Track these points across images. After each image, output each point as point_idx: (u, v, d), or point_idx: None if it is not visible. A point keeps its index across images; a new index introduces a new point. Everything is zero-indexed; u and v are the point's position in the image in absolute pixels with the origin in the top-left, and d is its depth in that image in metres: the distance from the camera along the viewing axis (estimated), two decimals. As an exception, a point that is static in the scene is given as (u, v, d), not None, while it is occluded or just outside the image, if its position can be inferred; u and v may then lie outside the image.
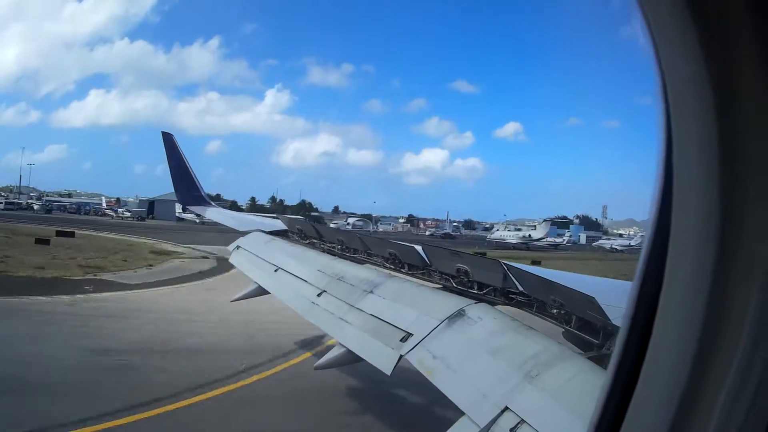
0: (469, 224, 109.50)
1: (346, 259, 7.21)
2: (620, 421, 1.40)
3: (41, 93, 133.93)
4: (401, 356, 4.31)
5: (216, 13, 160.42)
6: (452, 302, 4.64)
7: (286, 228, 9.78)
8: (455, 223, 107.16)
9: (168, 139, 13.50)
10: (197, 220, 72.23)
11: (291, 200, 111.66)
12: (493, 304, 4.64)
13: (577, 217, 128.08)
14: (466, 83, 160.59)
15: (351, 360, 5.14)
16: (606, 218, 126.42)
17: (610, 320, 3.52)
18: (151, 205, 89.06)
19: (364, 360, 4.78)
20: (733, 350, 1.18)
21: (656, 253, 1.30)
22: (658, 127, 1.26)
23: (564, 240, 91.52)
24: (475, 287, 5.01)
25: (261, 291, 8.01)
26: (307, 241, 8.70)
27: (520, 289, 4.61)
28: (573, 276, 6.11)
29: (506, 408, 3.10)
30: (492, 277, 4.85)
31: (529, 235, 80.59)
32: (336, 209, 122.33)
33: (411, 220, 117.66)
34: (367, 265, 6.79)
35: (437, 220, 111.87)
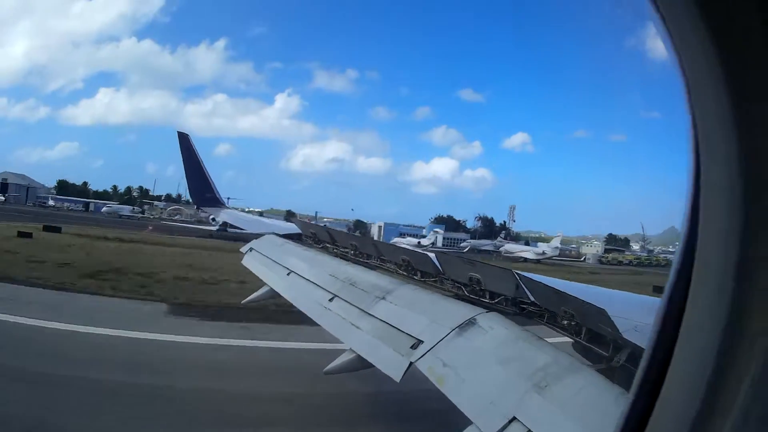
0: (359, 225, 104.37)
1: (359, 264, 7.24)
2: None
3: (49, 89, 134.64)
4: (411, 363, 4.31)
5: (221, 15, 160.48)
6: (463, 311, 4.65)
7: (300, 231, 9.85)
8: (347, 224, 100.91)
9: (184, 140, 13.59)
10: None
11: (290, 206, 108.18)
12: (504, 313, 4.63)
13: (478, 218, 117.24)
14: (471, 92, 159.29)
15: (361, 366, 5.15)
16: (514, 221, 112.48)
17: (620, 333, 3.52)
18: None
19: (374, 366, 4.80)
20: (748, 371, 1.20)
21: (684, 271, 1.33)
22: (688, 143, 1.28)
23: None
24: (487, 296, 5.01)
25: (273, 293, 8.06)
26: (321, 245, 8.76)
27: (532, 299, 4.61)
28: (584, 287, 6.09)
29: (514, 418, 3.10)
30: (504, 286, 4.85)
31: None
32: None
33: (290, 217, 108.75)
34: (380, 271, 6.82)
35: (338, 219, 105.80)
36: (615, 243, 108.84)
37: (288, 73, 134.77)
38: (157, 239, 42.39)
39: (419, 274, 6.23)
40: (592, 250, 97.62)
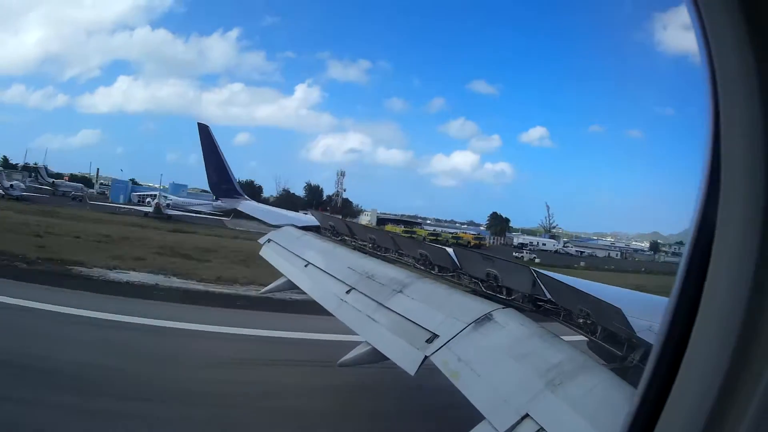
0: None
1: (377, 257, 7.27)
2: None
3: (66, 77, 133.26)
4: (426, 357, 4.34)
5: (234, 3, 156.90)
6: (480, 306, 4.66)
7: (319, 224, 9.91)
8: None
9: (204, 131, 13.68)
10: None
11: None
12: (520, 310, 4.64)
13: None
14: (484, 84, 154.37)
15: (376, 358, 5.20)
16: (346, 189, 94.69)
17: (635, 332, 3.52)
18: None
19: (389, 359, 4.84)
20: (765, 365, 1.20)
21: (696, 263, 1.32)
22: (706, 134, 1.28)
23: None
24: (504, 292, 5.01)
25: (290, 285, 8.15)
26: (339, 238, 8.80)
27: (548, 296, 4.60)
28: (600, 286, 6.05)
29: (527, 415, 3.11)
30: (521, 283, 4.85)
31: None
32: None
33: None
34: (398, 264, 6.85)
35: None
36: (498, 223, 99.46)
37: (301, 63, 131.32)
38: None
39: (437, 269, 6.24)
40: (365, 219, 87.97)
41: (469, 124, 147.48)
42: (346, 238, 8.61)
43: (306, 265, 7.80)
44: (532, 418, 3.08)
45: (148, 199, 58.00)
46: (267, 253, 9.46)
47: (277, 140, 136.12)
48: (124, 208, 54.09)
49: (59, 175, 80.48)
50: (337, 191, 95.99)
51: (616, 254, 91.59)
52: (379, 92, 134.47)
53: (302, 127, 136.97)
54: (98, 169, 63.83)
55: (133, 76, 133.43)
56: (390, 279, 5.99)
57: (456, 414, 3.73)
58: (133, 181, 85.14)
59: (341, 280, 6.57)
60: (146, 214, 50.23)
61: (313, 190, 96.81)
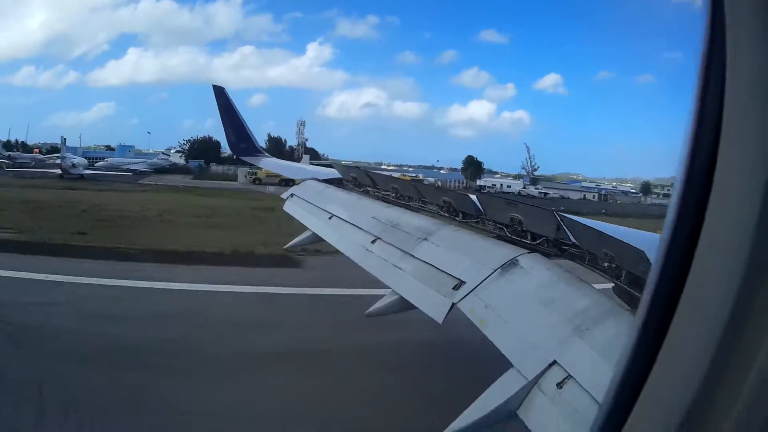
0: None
1: (401, 206, 7.28)
2: (633, 402, 1.34)
3: (74, 55, 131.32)
4: (453, 304, 4.38)
5: None
6: (505, 251, 4.66)
7: (341, 176, 9.89)
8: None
9: (219, 92, 13.65)
10: None
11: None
12: (545, 254, 4.63)
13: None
14: (495, 33, 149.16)
15: (403, 307, 5.29)
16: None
17: None
18: None
19: (416, 308, 4.90)
20: (760, 337, 1.14)
21: (683, 228, 1.26)
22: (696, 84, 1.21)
23: None
24: (529, 237, 4.99)
25: (315, 238, 8.25)
26: (362, 189, 8.79)
27: (573, 240, 4.57)
28: (625, 230, 5.97)
29: (554, 362, 3.14)
30: (545, 227, 4.81)
31: None
32: None
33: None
34: (422, 213, 6.85)
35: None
36: (471, 167, 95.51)
37: (309, 23, 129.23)
38: None
39: (461, 216, 6.22)
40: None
41: (482, 74, 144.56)
42: (369, 189, 8.60)
43: (330, 218, 7.86)
44: (560, 365, 3.11)
45: (56, 160, 59.57)
46: (290, 207, 9.51)
47: (292, 99, 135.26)
48: (49, 172, 55.55)
49: (31, 149, 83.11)
50: (299, 141, 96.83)
51: (593, 196, 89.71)
52: (390, 47, 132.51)
53: (316, 85, 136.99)
54: (65, 138, 65.40)
55: (143, 47, 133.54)
56: (415, 227, 6.00)
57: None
58: (108, 147, 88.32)
59: (366, 231, 6.61)
60: (60, 176, 52.21)
61: (275, 141, 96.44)
